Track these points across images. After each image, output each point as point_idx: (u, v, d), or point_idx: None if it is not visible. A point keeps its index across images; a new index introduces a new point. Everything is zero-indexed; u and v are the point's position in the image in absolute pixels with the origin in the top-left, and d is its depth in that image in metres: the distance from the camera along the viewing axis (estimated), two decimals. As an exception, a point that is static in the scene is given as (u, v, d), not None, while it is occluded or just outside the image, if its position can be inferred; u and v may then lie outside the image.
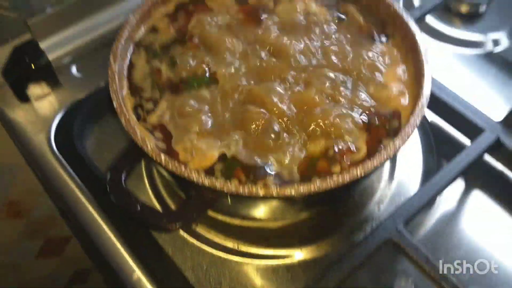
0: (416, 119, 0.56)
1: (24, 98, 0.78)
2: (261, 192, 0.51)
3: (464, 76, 0.87)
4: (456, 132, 0.77)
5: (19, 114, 0.76)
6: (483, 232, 0.68)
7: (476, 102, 0.75)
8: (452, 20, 0.95)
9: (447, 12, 0.95)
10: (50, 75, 0.80)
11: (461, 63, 0.89)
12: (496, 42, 0.91)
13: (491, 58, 0.90)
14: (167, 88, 0.64)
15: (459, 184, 0.72)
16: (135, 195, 0.54)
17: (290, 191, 0.51)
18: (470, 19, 0.95)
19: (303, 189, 0.51)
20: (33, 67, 0.80)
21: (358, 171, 0.52)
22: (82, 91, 0.77)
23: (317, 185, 0.51)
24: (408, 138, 0.54)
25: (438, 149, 0.77)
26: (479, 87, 0.85)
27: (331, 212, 0.69)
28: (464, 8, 0.95)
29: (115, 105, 0.58)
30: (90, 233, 0.63)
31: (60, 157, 0.70)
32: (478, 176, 0.73)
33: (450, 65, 0.88)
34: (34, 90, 0.80)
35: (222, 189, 0.51)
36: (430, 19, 0.94)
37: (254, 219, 0.66)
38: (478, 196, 0.72)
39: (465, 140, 0.76)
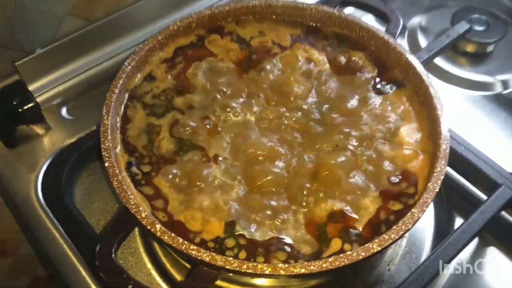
0: (434, 185, 0.51)
1: (10, 143, 0.73)
2: (267, 271, 0.46)
3: (472, 120, 0.83)
4: (466, 182, 0.72)
5: (3, 160, 0.70)
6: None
7: (486, 149, 0.70)
8: (458, 60, 0.91)
9: (453, 51, 0.91)
10: (38, 117, 0.75)
11: (469, 105, 0.85)
12: (505, 84, 0.88)
13: (500, 100, 0.86)
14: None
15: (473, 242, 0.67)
16: (127, 270, 0.48)
17: (300, 269, 0.46)
18: (478, 59, 0.91)
19: (314, 267, 0.46)
20: (20, 110, 0.76)
21: (375, 246, 0.47)
22: (73, 135, 0.73)
23: (329, 262, 0.46)
24: (427, 207, 0.50)
25: (448, 201, 0.72)
26: (490, 132, 0.81)
27: (337, 275, 0.64)
28: (470, 48, 0.91)
29: (106, 165, 0.53)
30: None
31: (48, 210, 0.65)
32: (493, 232, 0.68)
33: (457, 108, 0.84)
34: (22, 133, 0.76)
35: (223, 267, 0.46)
36: (436, 59, 0.90)
37: (254, 285, 0.61)
38: (493, 254, 0.68)
39: (473, 188, 0.72)
